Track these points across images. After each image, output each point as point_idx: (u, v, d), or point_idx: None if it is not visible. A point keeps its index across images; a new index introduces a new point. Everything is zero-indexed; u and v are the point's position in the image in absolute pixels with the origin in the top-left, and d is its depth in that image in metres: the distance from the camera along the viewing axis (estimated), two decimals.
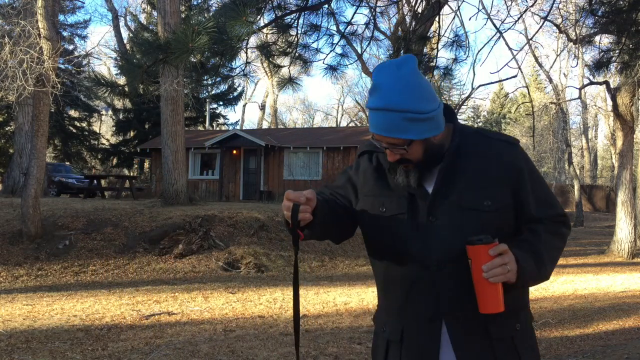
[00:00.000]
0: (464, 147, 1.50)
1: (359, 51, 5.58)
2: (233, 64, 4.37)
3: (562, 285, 9.08)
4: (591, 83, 19.37)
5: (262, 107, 47.70)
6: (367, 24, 4.62)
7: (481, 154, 1.50)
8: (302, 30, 4.06)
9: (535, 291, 8.42)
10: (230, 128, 33.42)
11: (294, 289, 1.50)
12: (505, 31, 6.13)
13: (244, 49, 3.88)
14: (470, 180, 1.48)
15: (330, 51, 4.30)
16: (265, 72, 36.20)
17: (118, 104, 31.07)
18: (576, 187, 26.25)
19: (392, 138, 1.42)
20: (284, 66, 4.28)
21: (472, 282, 1.40)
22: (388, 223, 1.52)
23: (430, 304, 1.48)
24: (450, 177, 1.49)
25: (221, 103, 32.12)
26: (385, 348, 1.57)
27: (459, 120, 1.60)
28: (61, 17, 25.21)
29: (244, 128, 39.29)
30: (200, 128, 30.69)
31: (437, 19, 4.97)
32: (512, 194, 1.48)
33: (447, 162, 1.48)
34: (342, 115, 50.86)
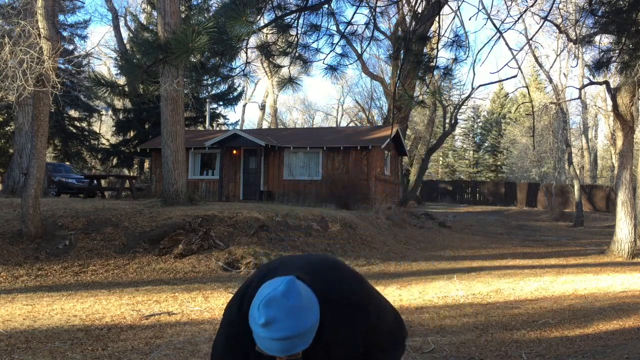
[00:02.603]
0: (323, 321, 1.69)
1: (359, 51, 5.58)
2: (233, 64, 4.38)
3: (562, 285, 9.08)
4: (591, 83, 19.41)
5: (262, 107, 47.75)
6: (367, 24, 4.61)
7: (335, 327, 1.72)
8: (302, 30, 4.06)
9: (535, 291, 8.42)
10: (230, 128, 33.44)
11: None
12: (505, 31, 6.12)
13: (244, 49, 3.88)
14: (327, 354, 1.74)
15: (330, 51, 4.29)
16: (265, 72, 36.24)
17: (118, 104, 31.08)
18: (576, 187, 26.25)
19: (292, 355, 1.63)
20: (284, 66, 4.27)
21: None
22: None
23: None
24: (312, 354, 1.70)
25: (221, 103, 32.15)
26: None
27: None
28: (61, 17, 25.23)
29: (244, 128, 39.31)
30: (200, 128, 30.69)
31: (437, 19, 4.96)
32: (364, 350, 1.79)
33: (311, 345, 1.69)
34: (342, 115, 50.95)
